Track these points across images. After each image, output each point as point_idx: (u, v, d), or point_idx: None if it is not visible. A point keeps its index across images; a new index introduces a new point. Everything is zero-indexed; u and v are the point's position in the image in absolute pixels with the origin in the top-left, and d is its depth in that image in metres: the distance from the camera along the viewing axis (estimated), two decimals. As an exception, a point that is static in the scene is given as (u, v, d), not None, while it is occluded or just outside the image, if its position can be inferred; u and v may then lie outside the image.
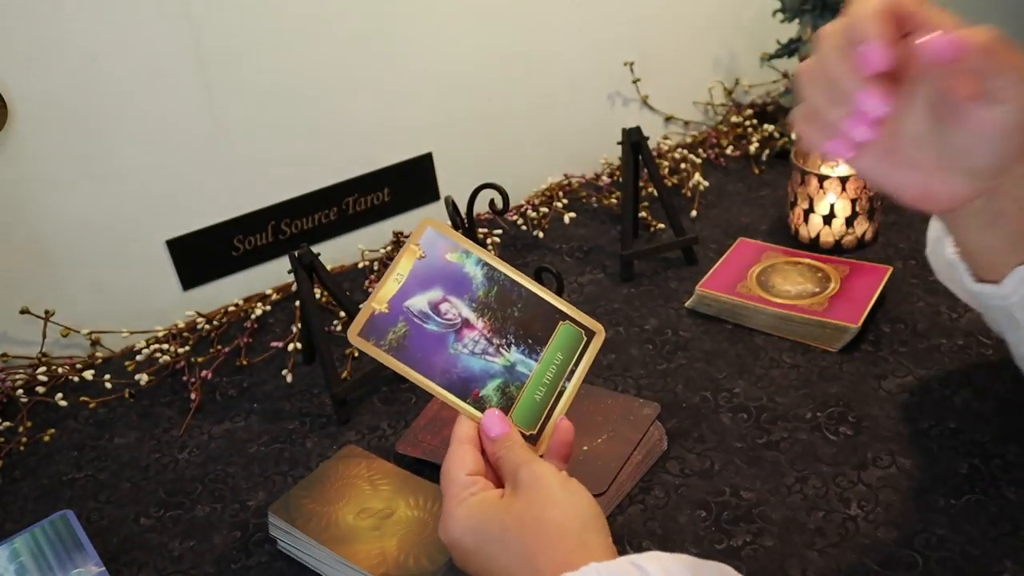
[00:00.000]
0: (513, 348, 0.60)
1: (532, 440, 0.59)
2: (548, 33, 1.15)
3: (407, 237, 0.62)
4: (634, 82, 1.25)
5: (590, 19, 1.18)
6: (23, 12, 0.83)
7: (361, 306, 0.61)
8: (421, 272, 0.60)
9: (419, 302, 0.60)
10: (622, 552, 0.67)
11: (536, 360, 0.60)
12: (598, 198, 1.17)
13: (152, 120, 0.93)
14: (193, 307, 1.02)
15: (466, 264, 0.61)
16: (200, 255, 1.01)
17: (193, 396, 0.88)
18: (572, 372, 0.61)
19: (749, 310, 0.91)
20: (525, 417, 0.59)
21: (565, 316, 0.61)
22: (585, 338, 0.61)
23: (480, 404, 0.59)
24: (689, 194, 1.16)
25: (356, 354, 0.94)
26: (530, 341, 0.61)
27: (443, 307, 0.60)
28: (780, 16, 1.20)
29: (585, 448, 0.74)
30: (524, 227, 1.13)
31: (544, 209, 1.14)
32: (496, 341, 0.60)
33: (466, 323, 0.60)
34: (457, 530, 0.53)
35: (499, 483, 0.57)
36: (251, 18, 0.94)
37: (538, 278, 0.97)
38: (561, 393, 0.60)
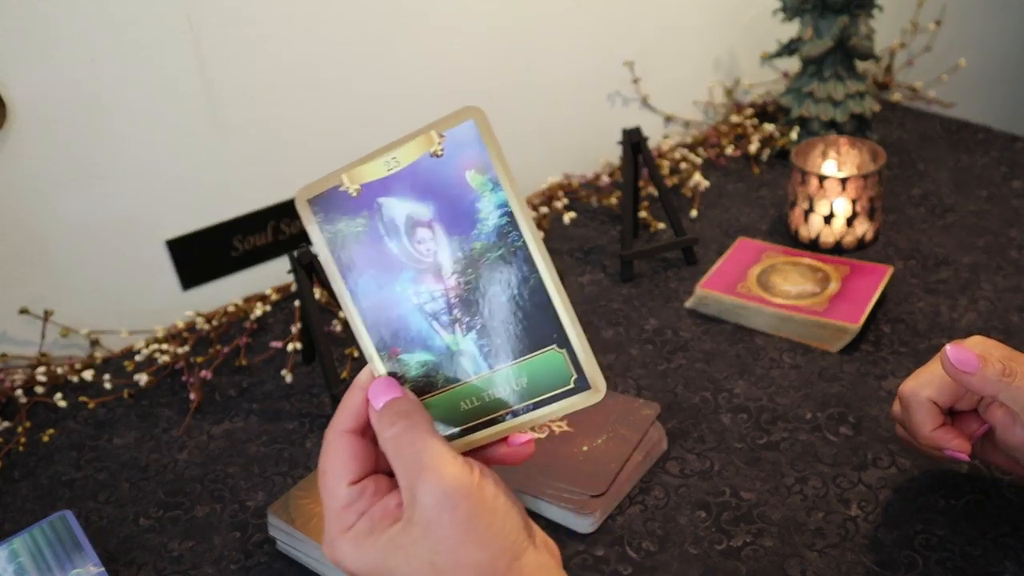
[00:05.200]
0: (472, 334, 0.45)
1: None
2: (548, 33, 1.15)
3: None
4: (634, 82, 1.25)
5: (590, 19, 1.18)
6: (23, 12, 0.83)
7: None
8: (423, 172, 0.43)
9: (398, 208, 0.44)
10: (623, 552, 0.67)
11: (490, 368, 0.45)
12: (598, 198, 1.17)
13: (152, 120, 0.93)
14: (193, 307, 1.02)
15: (484, 198, 0.43)
16: (200, 255, 1.01)
17: (192, 396, 0.88)
18: (526, 409, 0.45)
19: (749, 310, 0.91)
20: (434, 416, 0.46)
21: (566, 344, 0.43)
22: (573, 385, 0.44)
23: (395, 365, 0.46)
24: (689, 194, 1.16)
25: (356, 354, 0.94)
26: (498, 341, 0.44)
27: (421, 232, 0.44)
28: (780, 16, 1.20)
29: (585, 448, 0.74)
30: (524, 227, 1.13)
31: (544, 209, 1.14)
32: (457, 314, 0.45)
33: (436, 270, 0.45)
34: (348, 565, 0.44)
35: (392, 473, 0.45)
36: (251, 19, 0.94)
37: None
38: (496, 422, 0.45)
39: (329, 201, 0.45)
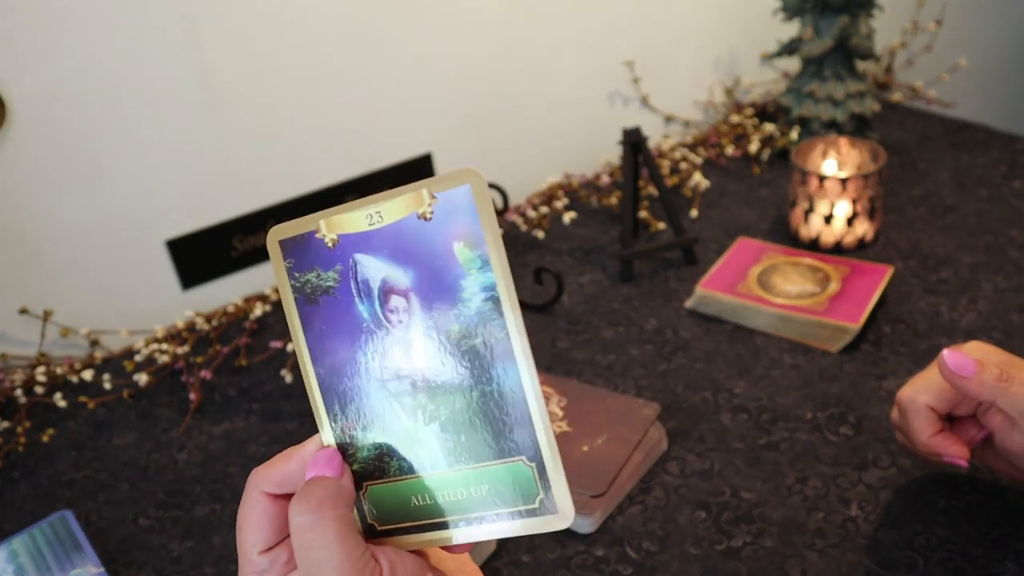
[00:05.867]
0: (435, 425, 0.40)
1: (368, 532, 0.42)
2: (548, 33, 1.15)
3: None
4: (634, 81, 1.25)
5: (590, 19, 1.18)
6: (23, 13, 0.83)
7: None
8: (407, 234, 0.38)
9: (374, 269, 0.40)
10: (623, 552, 0.67)
11: (449, 467, 0.40)
12: (598, 198, 1.17)
13: (152, 120, 0.93)
14: (193, 307, 1.02)
15: (470, 276, 0.37)
16: (200, 255, 1.01)
17: (192, 396, 0.88)
18: (481, 521, 0.39)
19: (749, 310, 0.91)
20: (379, 505, 0.42)
21: (537, 458, 0.38)
22: (537, 506, 0.38)
23: (346, 439, 0.42)
24: (689, 194, 1.16)
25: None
26: (463, 439, 0.39)
27: (395, 300, 0.39)
28: (780, 15, 1.20)
29: (585, 448, 0.74)
30: (524, 227, 1.13)
31: (544, 209, 1.14)
32: (421, 399, 0.40)
33: (405, 346, 0.40)
34: None
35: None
36: (250, 19, 0.94)
37: (538, 278, 0.97)
38: (445, 526, 0.40)
39: (303, 247, 0.41)
